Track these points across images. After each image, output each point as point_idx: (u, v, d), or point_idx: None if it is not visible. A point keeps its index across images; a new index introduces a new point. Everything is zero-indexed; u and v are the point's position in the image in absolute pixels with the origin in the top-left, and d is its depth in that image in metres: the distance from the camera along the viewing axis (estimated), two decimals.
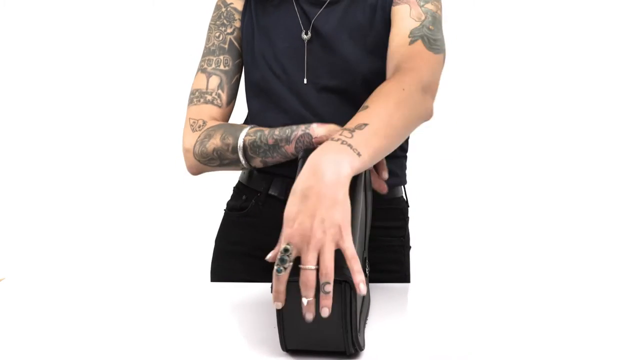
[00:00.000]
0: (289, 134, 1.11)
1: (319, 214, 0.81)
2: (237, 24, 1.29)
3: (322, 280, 0.81)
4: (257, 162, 1.16)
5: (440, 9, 1.22)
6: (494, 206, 2.43)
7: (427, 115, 1.08)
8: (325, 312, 0.81)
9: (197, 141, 1.20)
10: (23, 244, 2.15)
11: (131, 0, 2.54)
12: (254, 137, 1.14)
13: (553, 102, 2.53)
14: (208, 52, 1.28)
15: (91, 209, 2.47)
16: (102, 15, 2.54)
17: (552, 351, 0.91)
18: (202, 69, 1.27)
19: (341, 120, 1.18)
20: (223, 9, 1.30)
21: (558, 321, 1.04)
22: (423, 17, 1.19)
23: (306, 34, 1.23)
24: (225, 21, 1.29)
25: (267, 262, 0.87)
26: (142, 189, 2.48)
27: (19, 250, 2.06)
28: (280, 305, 0.83)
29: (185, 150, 1.21)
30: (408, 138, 1.33)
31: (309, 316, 0.82)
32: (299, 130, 1.10)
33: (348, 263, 0.82)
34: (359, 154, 0.87)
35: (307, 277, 0.80)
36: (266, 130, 1.14)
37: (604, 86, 2.52)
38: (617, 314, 1.08)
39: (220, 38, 1.28)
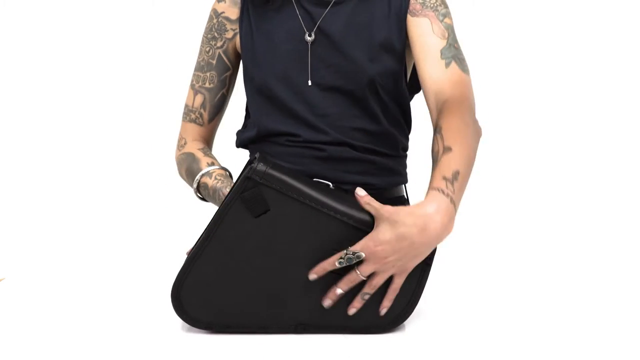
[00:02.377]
0: (217, 196, 1.20)
1: (403, 259, 0.92)
2: (229, 34, 1.30)
3: (366, 290, 0.94)
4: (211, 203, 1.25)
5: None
6: (494, 203, 2.43)
7: (480, 137, 1.11)
8: (352, 311, 0.95)
9: (176, 161, 1.33)
10: (23, 244, 2.15)
11: (131, 0, 2.54)
12: (202, 194, 1.25)
13: (552, 102, 2.53)
14: (198, 67, 1.34)
15: (91, 209, 2.46)
16: (102, 15, 2.54)
17: (551, 352, 0.91)
18: (191, 85, 1.35)
19: (350, 122, 1.22)
20: (214, 20, 1.31)
21: (557, 322, 1.04)
22: (447, 34, 1.20)
23: (309, 35, 1.22)
24: (216, 34, 1.31)
25: None
26: (143, 189, 2.47)
27: (19, 250, 2.06)
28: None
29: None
30: (409, 137, 1.33)
31: (328, 303, 0.95)
32: (221, 191, 1.18)
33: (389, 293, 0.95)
34: (456, 210, 0.96)
35: (356, 280, 0.93)
36: (209, 187, 1.22)
37: (603, 87, 2.52)
38: (617, 316, 1.08)
39: (210, 53, 1.32)
